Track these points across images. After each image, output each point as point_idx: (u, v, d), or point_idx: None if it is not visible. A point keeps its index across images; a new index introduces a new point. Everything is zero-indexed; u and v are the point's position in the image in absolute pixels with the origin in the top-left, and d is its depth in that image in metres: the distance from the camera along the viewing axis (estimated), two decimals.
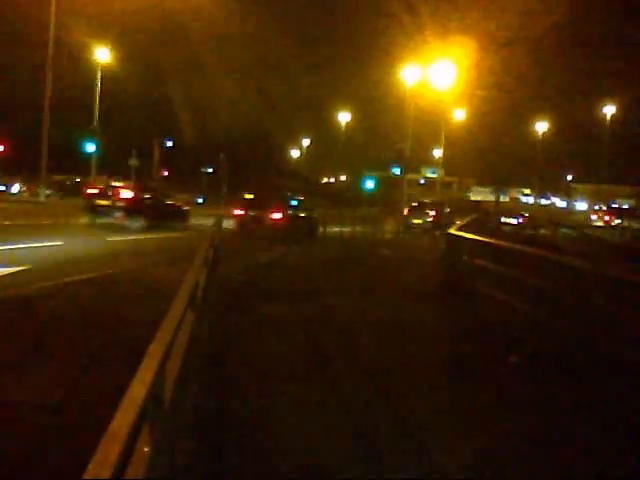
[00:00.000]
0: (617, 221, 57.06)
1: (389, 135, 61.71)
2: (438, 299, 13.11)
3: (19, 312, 9.34)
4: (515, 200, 79.45)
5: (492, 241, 13.29)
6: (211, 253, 9.80)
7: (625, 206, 78.56)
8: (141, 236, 22.73)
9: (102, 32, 47.10)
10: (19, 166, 48.98)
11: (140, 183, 32.63)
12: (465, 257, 13.56)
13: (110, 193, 26.26)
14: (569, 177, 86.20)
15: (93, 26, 46.54)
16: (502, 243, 13.15)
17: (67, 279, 12.22)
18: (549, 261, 10.03)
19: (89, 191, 28.11)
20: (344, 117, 72.96)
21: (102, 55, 47.55)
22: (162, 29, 48.68)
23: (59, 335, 8.19)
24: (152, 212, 26.04)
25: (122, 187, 27.15)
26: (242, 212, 27.49)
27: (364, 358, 8.44)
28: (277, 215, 26.40)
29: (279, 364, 7.72)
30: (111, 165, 49.56)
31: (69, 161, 49.15)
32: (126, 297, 11.30)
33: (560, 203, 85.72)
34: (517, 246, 12.45)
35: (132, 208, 25.38)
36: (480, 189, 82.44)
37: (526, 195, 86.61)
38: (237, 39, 54.58)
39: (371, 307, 11.95)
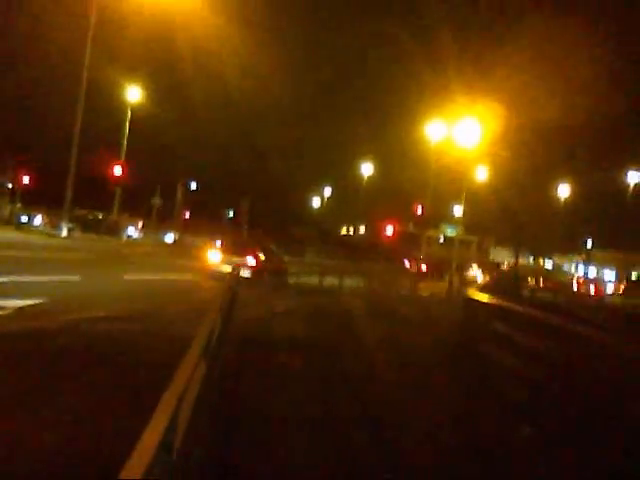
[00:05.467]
0: None
1: (411, 190, 61.92)
2: (451, 362, 13.03)
3: (29, 345, 9.35)
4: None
5: (506, 305, 13.23)
6: (227, 299, 9.82)
7: None
8: (157, 277, 22.88)
9: (133, 72, 48.13)
10: (43, 198, 49.37)
11: None
12: (481, 320, 13.50)
13: None
14: (589, 243, 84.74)
15: (125, 66, 47.56)
16: (516, 307, 13.06)
17: (77, 315, 12.23)
18: (562, 328, 9.93)
19: None
20: (367, 169, 72.79)
21: (133, 94, 48.50)
22: (191, 72, 49.59)
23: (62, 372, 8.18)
24: None
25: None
26: None
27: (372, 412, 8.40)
28: None
29: None
30: (134, 203, 50.06)
31: (92, 196, 49.65)
32: (138, 337, 11.31)
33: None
34: (531, 311, 12.34)
35: None
36: (500, 249, 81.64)
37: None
38: (264, 86, 55.48)
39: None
